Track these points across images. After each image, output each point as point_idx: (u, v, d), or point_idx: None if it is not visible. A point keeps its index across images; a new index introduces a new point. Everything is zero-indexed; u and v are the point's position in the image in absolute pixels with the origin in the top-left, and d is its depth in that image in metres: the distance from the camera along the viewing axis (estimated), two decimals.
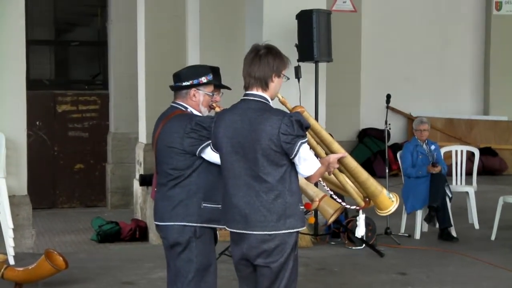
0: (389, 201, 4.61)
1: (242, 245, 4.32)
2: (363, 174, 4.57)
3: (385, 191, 4.62)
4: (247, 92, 4.36)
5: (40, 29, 15.74)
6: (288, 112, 4.36)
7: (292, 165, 4.27)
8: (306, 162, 4.25)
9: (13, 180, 8.37)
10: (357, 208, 4.71)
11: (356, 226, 4.86)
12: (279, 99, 4.47)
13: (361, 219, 4.74)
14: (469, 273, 7.60)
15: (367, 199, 4.67)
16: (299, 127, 4.18)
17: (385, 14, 14.95)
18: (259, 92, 4.32)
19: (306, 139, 4.25)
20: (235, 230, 4.34)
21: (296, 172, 4.31)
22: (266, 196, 4.22)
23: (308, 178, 4.36)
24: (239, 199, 4.28)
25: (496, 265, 7.82)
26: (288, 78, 4.46)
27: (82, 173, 14.34)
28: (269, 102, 4.33)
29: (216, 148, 4.44)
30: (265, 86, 4.32)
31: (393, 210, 4.63)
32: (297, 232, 4.33)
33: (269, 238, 4.24)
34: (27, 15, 8.73)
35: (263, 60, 4.31)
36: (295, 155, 4.20)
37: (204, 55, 10.46)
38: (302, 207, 4.36)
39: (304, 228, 4.47)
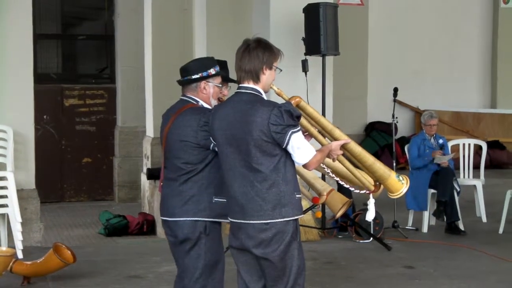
0: (399, 184, 4.63)
1: (240, 235, 4.37)
2: (369, 158, 4.59)
3: (394, 174, 4.63)
4: (240, 85, 4.43)
5: (47, 23, 15.73)
6: (282, 102, 4.40)
7: (286, 154, 4.32)
8: (300, 150, 4.29)
9: (21, 174, 8.39)
10: (367, 192, 4.72)
11: (364, 217, 4.87)
12: (274, 91, 4.50)
13: (371, 203, 4.76)
14: (476, 267, 7.59)
15: (377, 183, 4.68)
16: (289, 116, 4.24)
17: (392, 7, 14.91)
18: (251, 85, 4.39)
19: (298, 128, 4.30)
20: (234, 220, 4.41)
21: (291, 161, 4.36)
22: (260, 185, 4.28)
23: (305, 166, 4.39)
24: (235, 190, 4.35)
25: (504, 258, 7.81)
26: (281, 70, 4.51)
27: (90, 167, 14.35)
28: (261, 94, 4.40)
29: (214, 141, 4.51)
30: (256, 78, 4.38)
31: (404, 191, 4.65)
32: (295, 220, 4.36)
33: (266, 227, 4.29)
34: (34, 9, 8.74)
35: (253, 53, 4.37)
36: (287, 144, 4.26)
37: (211, 48, 10.45)
38: (299, 195, 4.40)
39: (302, 216, 4.49)
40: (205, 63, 4.90)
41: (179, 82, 4.89)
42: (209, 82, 4.81)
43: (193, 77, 4.81)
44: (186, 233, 4.68)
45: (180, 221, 4.69)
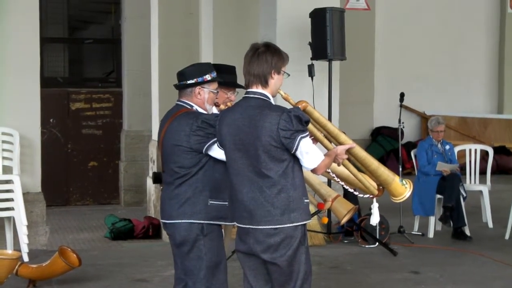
0: (403, 188, 4.65)
1: (248, 240, 4.38)
2: (374, 163, 4.61)
3: (397, 178, 4.65)
4: (248, 90, 4.43)
5: (54, 27, 15.76)
6: (291, 107, 4.41)
7: (295, 159, 4.32)
8: (309, 155, 4.30)
9: (27, 177, 8.40)
10: (371, 196, 4.74)
11: (369, 219, 4.87)
12: (281, 95, 4.50)
13: (375, 207, 4.78)
14: (482, 272, 7.57)
15: (380, 187, 4.69)
16: (298, 122, 4.25)
17: (398, 12, 14.91)
18: (259, 90, 4.39)
19: (307, 133, 4.31)
20: (241, 226, 4.40)
21: (300, 166, 4.37)
22: (269, 191, 4.28)
23: (313, 171, 4.41)
24: (243, 195, 4.35)
25: (510, 264, 7.79)
26: (289, 75, 4.52)
27: (96, 170, 14.34)
28: (270, 99, 4.40)
29: (221, 146, 4.52)
30: (264, 83, 4.38)
31: (407, 196, 4.68)
32: (303, 225, 4.37)
33: (275, 232, 4.30)
34: (41, 12, 8.76)
35: (261, 57, 4.37)
36: (296, 149, 4.27)
37: (217, 52, 10.46)
38: (307, 200, 4.41)
39: (311, 221, 4.49)
40: (202, 68, 4.92)
41: (176, 86, 4.91)
42: (204, 87, 4.84)
43: (188, 82, 4.83)
44: (183, 235, 4.72)
45: (176, 223, 4.74)
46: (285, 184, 4.29)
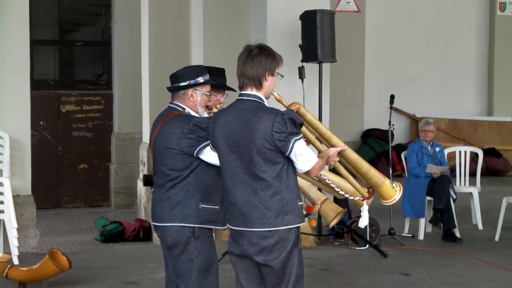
0: (393, 191, 4.67)
1: (242, 243, 4.37)
2: (365, 165, 4.62)
3: (388, 181, 4.67)
4: (242, 92, 4.42)
5: (44, 29, 15.74)
6: (284, 109, 4.41)
7: (289, 161, 4.32)
8: (303, 157, 4.30)
9: (17, 180, 8.38)
10: (361, 199, 4.75)
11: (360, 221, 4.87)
12: (275, 97, 4.50)
13: (364, 209, 4.78)
14: (472, 274, 7.59)
15: (370, 190, 4.71)
16: (292, 124, 4.24)
17: (388, 14, 14.96)
18: (253, 92, 4.38)
19: (301, 135, 4.31)
20: (235, 228, 4.39)
21: (293, 169, 4.36)
22: (263, 193, 4.28)
23: (307, 173, 4.40)
24: (237, 198, 4.34)
25: (500, 266, 7.81)
26: (283, 76, 4.51)
27: (86, 173, 14.34)
28: (263, 101, 4.40)
29: (214, 148, 4.50)
30: (258, 85, 4.38)
31: (397, 198, 4.69)
32: (297, 228, 4.37)
33: (269, 234, 4.29)
34: (31, 14, 8.74)
35: (256, 59, 4.36)
36: (290, 152, 4.26)
37: (208, 55, 10.46)
38: (301, 203, 4.41)
39: (304, 223, 4.50)
40: (195, 71, 4.91)
41: (168, 88, 4.91)
42: (196, 90, 4.83)
43: (181, 84, 4.83)
44: (174, 237, 4.71)
45: (167, 226, 4.73)
46: (279, 186, 4.29)
